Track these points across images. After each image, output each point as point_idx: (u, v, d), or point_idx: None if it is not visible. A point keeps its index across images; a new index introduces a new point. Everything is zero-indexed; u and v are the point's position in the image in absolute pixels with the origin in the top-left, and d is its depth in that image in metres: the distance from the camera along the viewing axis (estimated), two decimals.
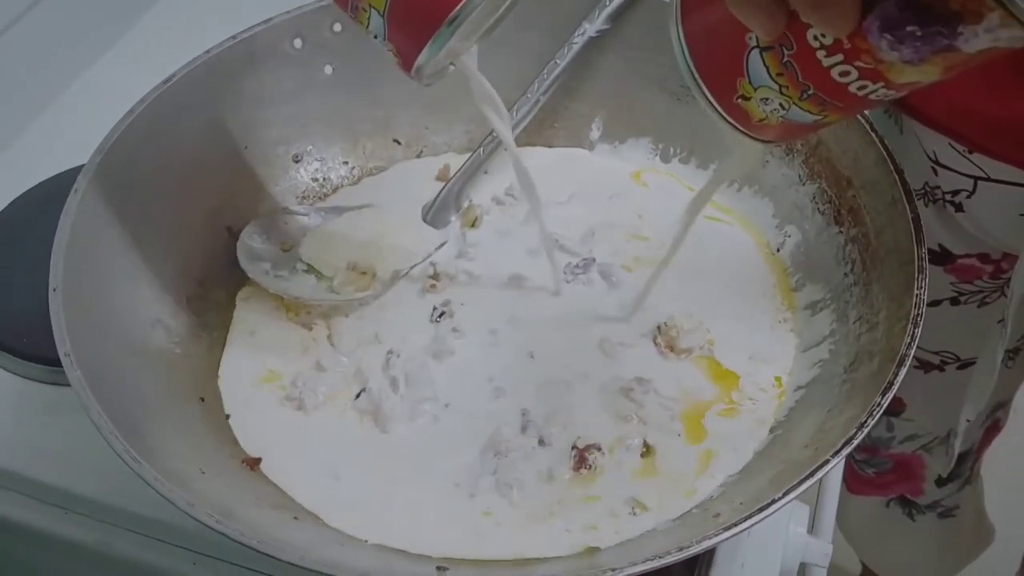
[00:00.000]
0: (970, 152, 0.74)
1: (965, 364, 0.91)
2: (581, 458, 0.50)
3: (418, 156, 0.67)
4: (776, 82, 0.39)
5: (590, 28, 0.62)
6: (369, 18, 0.45)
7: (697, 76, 0.42)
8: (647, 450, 0.50)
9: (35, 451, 0.55)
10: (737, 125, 0.42)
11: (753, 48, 0.39)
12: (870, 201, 0.54)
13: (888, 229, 0.52)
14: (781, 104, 0.40)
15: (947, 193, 0.78)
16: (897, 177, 0.52)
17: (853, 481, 1.08)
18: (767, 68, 0.39)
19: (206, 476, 0.46)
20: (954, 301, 0.87)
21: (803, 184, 0.59)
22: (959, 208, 0.78)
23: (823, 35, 0.36)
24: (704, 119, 0.61)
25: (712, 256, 0.59)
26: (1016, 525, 1.13)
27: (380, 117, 0.65)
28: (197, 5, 0.83)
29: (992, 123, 0.72)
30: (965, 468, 1.03)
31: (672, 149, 0.65)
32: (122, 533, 0.54)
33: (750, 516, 0.40)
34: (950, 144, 0.75)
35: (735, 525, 0.40)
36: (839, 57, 0.36)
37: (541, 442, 0.51)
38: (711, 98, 0.42)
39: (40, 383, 0.58)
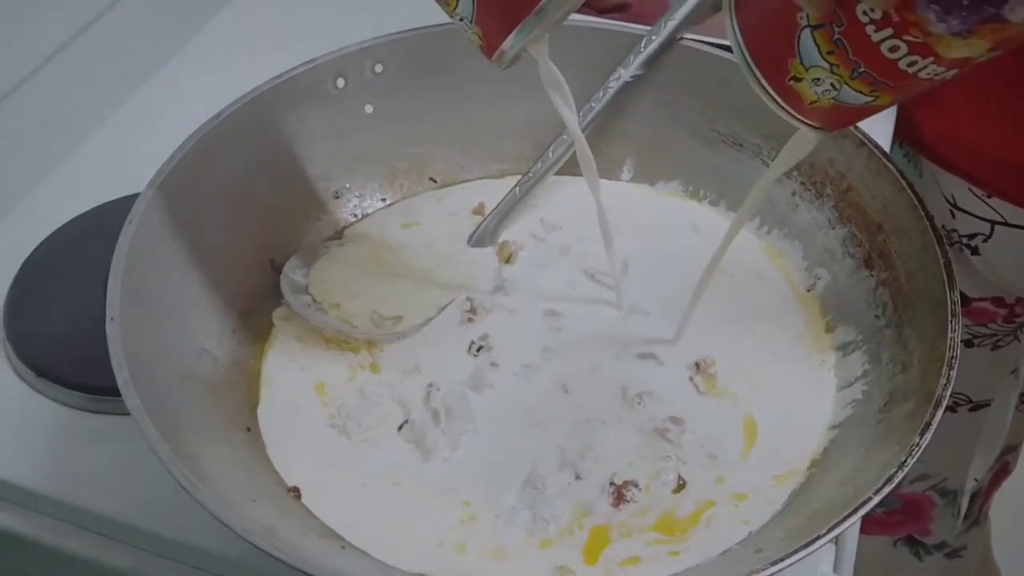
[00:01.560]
0: (988, 196, 0.75)
1: (977, 406, 0.92)
2: (619, 494, 0.51)
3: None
4: (827, 61, 0.39)
5: (625, 73, 0.64)
6: (458, 1, 0.46)
7: (750, 60, 0.42)
8: (681, 486, 0.51)
9: (76, 478, 0.56)
10: (789, 109, 0.43)
11: (804, 27, 0.39)
12: (901, 246, 0.55)
13: (919, 274, 0.53)
14: (832, 84, 0.40)
15: (964, 236, 0.79)
16: (928, 223, 0.53)
17: (862, 521, 1.09)
18: (818, 47, 0.39)
19: (257, 504, 0.47)
20: (968, 344, 0.88)
21: (833, 228, 0.60)
22: (975, 251, 0.80)
23: (872, 9, 0.37)
24: (733, 163, 0.64)
25: (747, 293, 0.60)
26: (1022, 566, 1.14)
27: (417, 155, 0.67)
28: (241, 39, 0.85)
29: (1012, 168, 0.73)
30: (974, 509, 1.04)
31: (702, 192, 0.66)
32: (162, 561, 0.54)
33: (795, 552, 0.41)
34: (969, 188, 0.76)
35: (781, 560, 0.41)
36: (888, 31, 0.37)
37: (578, 477, 0.52)
38: (764, 81, 0.42)
39: (81, 411, 0.59)
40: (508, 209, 0.65)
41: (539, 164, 0.65)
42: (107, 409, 0.58)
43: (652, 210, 0.66)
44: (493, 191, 0.66)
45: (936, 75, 0.38)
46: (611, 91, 0.64)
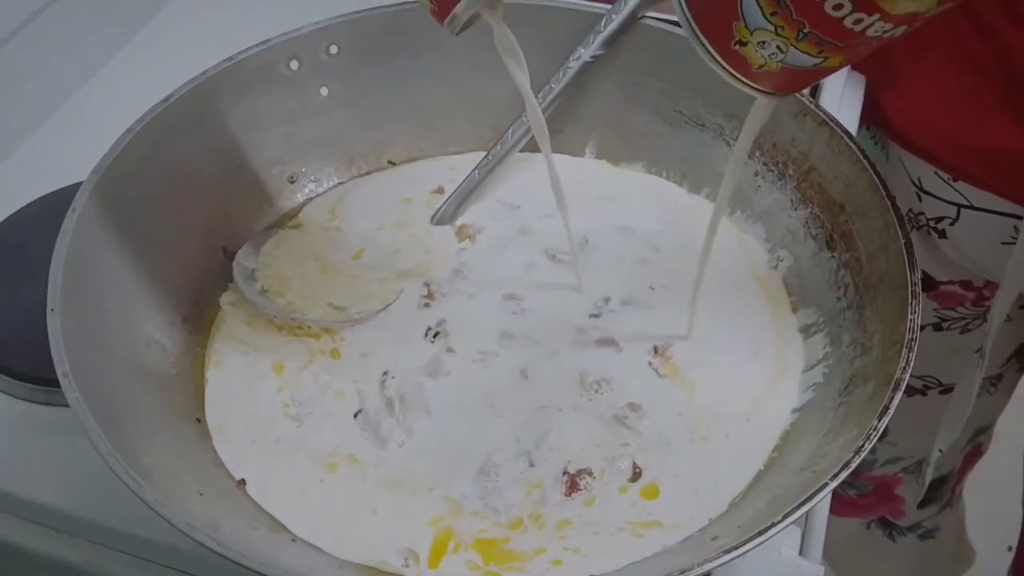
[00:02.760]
0: (954, 180, 0.75)
1: (947, 389, 0.92)
2: (572, 483, 0.50)
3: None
4: (771, 23, 0.38)
5: (585, 53, 0.63)
6: None
7: (695, 26, 0.41)
8: (638, 474, 0.51)
9: (27, 471, 0.55)
10: (738, 74, 0.42)
11: None
12: (862, 227, 0.54)
13: (881, 254, 0.52)
14: (779, 47, 0.39)
15: (931, 220, 0.79)
16: (890, 203, 0.52)
17: (834, 503, 1.08)
18: (761, 8, 0.38)
19: (204, 497, 0.46)
20: (937, 327, 0.88)
21: (795, 209, 0.59)
22: (942, 235, 0.79)
23: None
24: (696, 144, 0.63)
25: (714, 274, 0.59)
26: (996, 547, 1.14)
27: (375, 138, 0.66)
28: (192, 25, 0.84)
29: (975, 151, 0.73)
30: (946, 491, 1.04)
31: (665, 173, 0.65)
32: (113, 554, 0.53)
33: (750, 539, 0.41)
34: (935, 172, 0.76)
35: (735, 548, 0.40)
36: None
37: (532, 465, 0.51)
38: (710, 47, 0.41)
39: (32, 403, 0.58)
40: (468, 191, 0.63)
41: (499, 146, 0.64)
42: (57, 401, 0.56)
43: (613, 184, 0.65)
44: (452, 172, 0.65)
45: (884, 32, 0.37)
46: (571, 71, 0.63)
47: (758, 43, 0.40)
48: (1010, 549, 1.07)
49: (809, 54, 0.39)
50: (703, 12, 0.41)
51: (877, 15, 0.36)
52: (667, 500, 0.49)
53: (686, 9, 0.41)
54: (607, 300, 0.59)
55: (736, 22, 0.39)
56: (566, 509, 0.49)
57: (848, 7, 0.36)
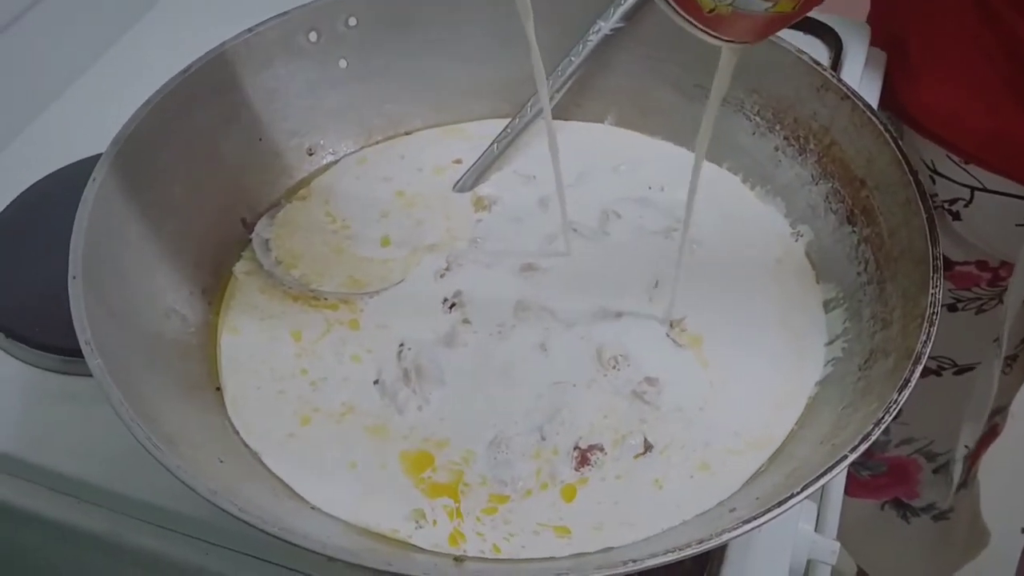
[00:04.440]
0: (966, 163, 0.75)
1: (962, 370, 0.92)
2: (583, 458, 0.50)
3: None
4: None
5: (605, 26, 0.63)
6: None
7: None
8: (650, 448, 0.50)
9: (46, 440, 0.55)
10: (689, 19, 0.41)
11: None
12: (884, 201, 0.54)
13: (902, 229, 0.52)
14: None
15: (945, 201, 0.79)
16: (912, 178, 0.52)
17: (848, 484, 1.08)
18: None
19: (225, 465, 0.46)
20: (951, 308, 0.87)
21: (816, 184, 0.59)
22: (956, 217, 0.79)
23: None
24: (717, 117, 0.63)
25: (736, 246, 0.59)
26: (1010, 528, 1.14)
27: (393, 111, 0.65)
28: None
29: (984, 136, 0.73)
30: (962, 472, 1.04)
31: (685, 147, 0.64)
32: (133, 523, 0.53)
33: (769, 511, 0.41)
34: (947, 155, 0.76)
35: (753, 519, 0.40)
36: None
37: (543, 439, 0.51)
38: None
39: (51, 372, 0.58)
40: (487, 163, 0.63)
41: (517, 119, 0.64)
42: (77, 370, 0.57)
43: (633, 152, 0.65)
44: (470, 143, 0.65)
45: None
46: (591, 44, 0.63)
47: None
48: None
49: None
50: None
51: None
52: (681, 475, 0.49)
53: None
54: (626, 271, 0.58)
55: None
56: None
57: None
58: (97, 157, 0.52)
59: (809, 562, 0.57)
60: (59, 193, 0.65)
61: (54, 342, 0.57)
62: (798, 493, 0.41)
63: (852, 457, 0.42)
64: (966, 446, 0.88)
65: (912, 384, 0.44)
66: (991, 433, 1.02)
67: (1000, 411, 1.00)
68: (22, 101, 0.72)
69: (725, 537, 0.40)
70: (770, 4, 0.38)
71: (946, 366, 0.92)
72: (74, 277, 0.47)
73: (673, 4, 0.40)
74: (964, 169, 0.75)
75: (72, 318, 0.46)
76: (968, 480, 1.06)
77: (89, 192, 0.50)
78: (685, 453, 0.50)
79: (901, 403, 0.43)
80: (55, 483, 0.54)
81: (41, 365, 0.58)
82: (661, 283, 0.57)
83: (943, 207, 0.79)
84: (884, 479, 1.06)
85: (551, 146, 0.55)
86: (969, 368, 0.91)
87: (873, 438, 0.42)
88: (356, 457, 0.50)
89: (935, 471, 1.02)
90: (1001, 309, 0.84)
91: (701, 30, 0.41)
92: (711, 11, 0.40)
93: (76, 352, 0.52)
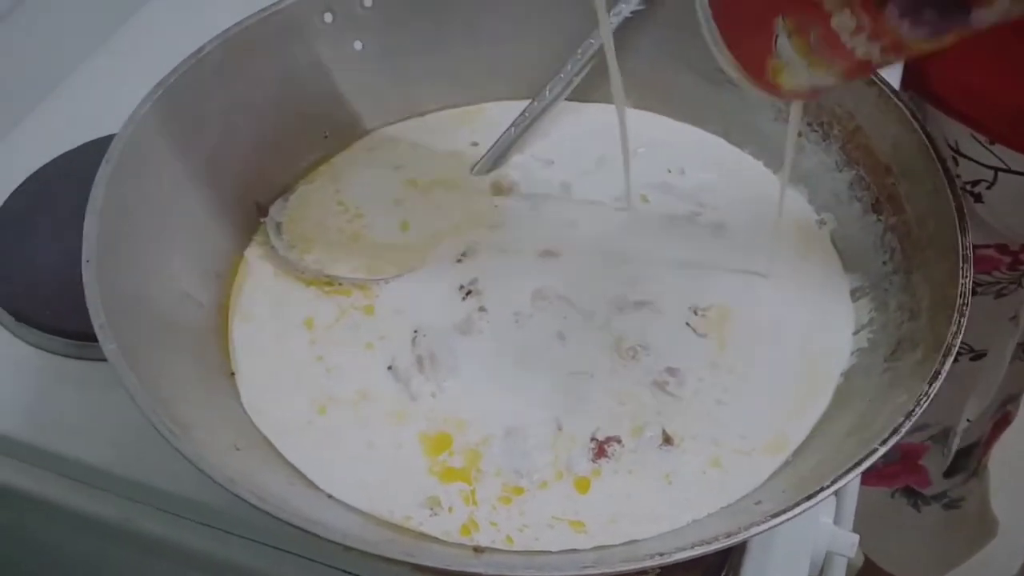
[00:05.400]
0: (991, 143, 0.74)
1: (978, 355, 0.91)
2: (600, 450, 0.49)
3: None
4: (806, 60, 0.40)
5: (625, 8, 0.62)
6: None
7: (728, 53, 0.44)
8: (669, 440, 0.50)
9: (59, 425, 0.54)
10: (750, 78, 0.43)
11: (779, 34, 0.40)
12: (910, 189, 0.53)
13: (930, 218, 0.51)
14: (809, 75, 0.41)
15: (967, 183, 0.78)
16: (940, 165, 0.51)
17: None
18: (795, 51, 0.40)
19: (241, 452, 0.46)
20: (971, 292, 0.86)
21: (840, 171, 0.58)
22: (978, 199, 0.78)
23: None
24: (738, 102, 0.62)
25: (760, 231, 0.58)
26: (1020, 518, 1.14)
27: (408, 92, 0.64)
28: None
29: (1013, 113, 0.72)
30: (972, 460, 1.03)
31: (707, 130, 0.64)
32: (145, 509, 0.53)
33: (798, 504, 0.40)
34: (971, 135, 0.75)
35: (783, 512, 0.40)
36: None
37: (560, 430, 0.50)
38: (745, 74, 0.43)
39: (61, 356, 0.57)
40: (506, 146, 0.62)
41: (535, 102, 0.63)
42: (88, 355, 0.56)
43: (658, 135, 0.64)
44: (487, 126, 0.64)
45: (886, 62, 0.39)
46: (612, 26, 0.62)
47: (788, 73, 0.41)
48: None
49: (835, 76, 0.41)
50: (737, 41, 0.43)
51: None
52: (702, 468, 0.49)
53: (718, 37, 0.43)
54: (646, 257, 0.57)
55: (771, 58, 0.41)
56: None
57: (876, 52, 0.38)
58: (108, 139, 0.51)
59: (827, 554, 0.57)
60: (66, 177, 0.64)
61: (64, 326, 0.57)
62: (828, 486, 0.40)
63: (883, 450, 0.41)
64: (968, 419, 0.87)
65: (943, 376, 0.43)
66: (1003, 421, 1.02)
67: (1013, 399, 0.99)
68: (28, 85, 0.72)
69: (754, 531, 0.39)
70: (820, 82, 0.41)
71: (963, 351, 0.91)
72: (88, 261, 0.46)
73: (737, 64, 0.43)
74: (989, 149, 0.74)
75: (86, 302, 0.45)
76: (979, 469, 1.05)
77: (103, 173, 0.49)
78: (704, 445, 0.49)
79: (932, 395, 0.43)
80: (65, 469, 0.54)
81: (50, 349, 0.57)
82: (683, 268, 0.56)
83: (965, 189, 0.78)
84: (897, 466, 1.06)
85: (618, 105, 0.55)
86: (984, 353, 0.90)
87: (904, 431, 0.42)
88: (372, 438, 0.50)
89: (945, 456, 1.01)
90: (1021, 293, 0.84)
91: (759, 88, 0.43)
92: (791, 89, 0.43)
93: (86, 336, 0.52)
